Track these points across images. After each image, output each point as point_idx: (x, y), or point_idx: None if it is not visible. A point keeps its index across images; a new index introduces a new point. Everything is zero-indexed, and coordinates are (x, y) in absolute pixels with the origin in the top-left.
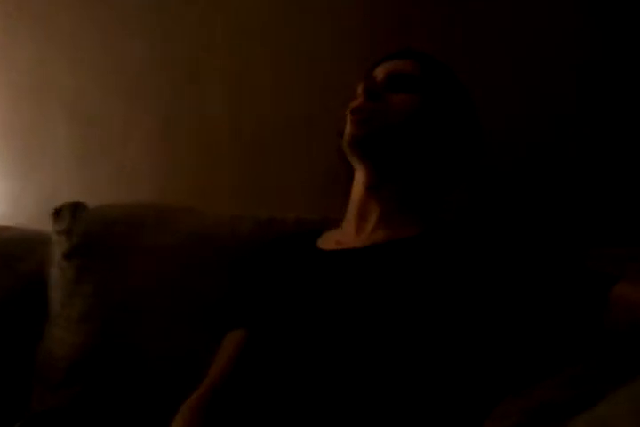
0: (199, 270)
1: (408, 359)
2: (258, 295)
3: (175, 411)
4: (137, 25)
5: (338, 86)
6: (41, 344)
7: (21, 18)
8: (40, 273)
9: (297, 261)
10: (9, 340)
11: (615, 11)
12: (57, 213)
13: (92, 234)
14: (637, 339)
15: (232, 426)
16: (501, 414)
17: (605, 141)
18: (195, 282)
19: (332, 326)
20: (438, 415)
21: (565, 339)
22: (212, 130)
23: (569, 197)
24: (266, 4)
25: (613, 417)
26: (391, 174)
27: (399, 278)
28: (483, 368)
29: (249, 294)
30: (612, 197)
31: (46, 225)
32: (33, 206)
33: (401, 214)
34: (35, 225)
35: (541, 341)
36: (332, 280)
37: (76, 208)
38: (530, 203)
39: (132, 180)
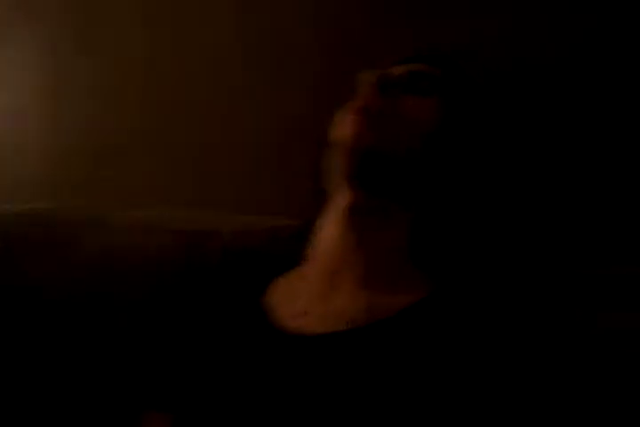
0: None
1: None
2: (189, 369)
3: None
4: None
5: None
6: None
7: None
8: None
9: (242, 331)
10: None
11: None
12: None
13: None
14: None
15: None
16: None
17: None
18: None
19: None
20: None
21: None
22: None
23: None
24: None
25: None
26: (396, 200)
27: (389, 392)
28: None
29: (175, 363)
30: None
31: None
32: None
33: (399, 265)
34: None
35: None
36: (291, 384)
37: None
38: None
39: None
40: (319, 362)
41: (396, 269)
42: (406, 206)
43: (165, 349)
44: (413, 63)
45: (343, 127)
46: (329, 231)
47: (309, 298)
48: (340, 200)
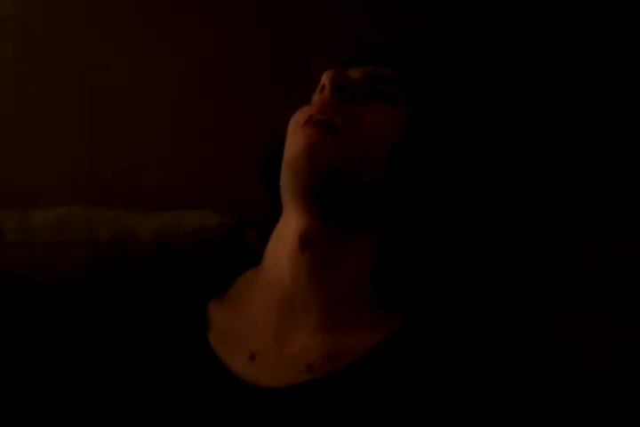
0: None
1: None
2: (120, 411)
3: None
4: None
5: None
6: None
7: None
8: None
9: (185, 370)
10: None
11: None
12: None
13: None
14: None
15: None
16: None
17: None
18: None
19: None
20: None
21: None
22: None
23: None
24: None
25: None
26: (358, 225)
27: None
28: None
29: (100, 402)
30: None
31: None
32: None
33: (363, 298)
34: None
35: None
36: None
37: None
38: None
39: None
40: (287, 419)
41: (360, 304)
42: (369, 231)
43: (87, 385)
44: (374, 64)
45: (295, 141)
46: (280, 260)
47: (260, 338)
48: (293, 224)
